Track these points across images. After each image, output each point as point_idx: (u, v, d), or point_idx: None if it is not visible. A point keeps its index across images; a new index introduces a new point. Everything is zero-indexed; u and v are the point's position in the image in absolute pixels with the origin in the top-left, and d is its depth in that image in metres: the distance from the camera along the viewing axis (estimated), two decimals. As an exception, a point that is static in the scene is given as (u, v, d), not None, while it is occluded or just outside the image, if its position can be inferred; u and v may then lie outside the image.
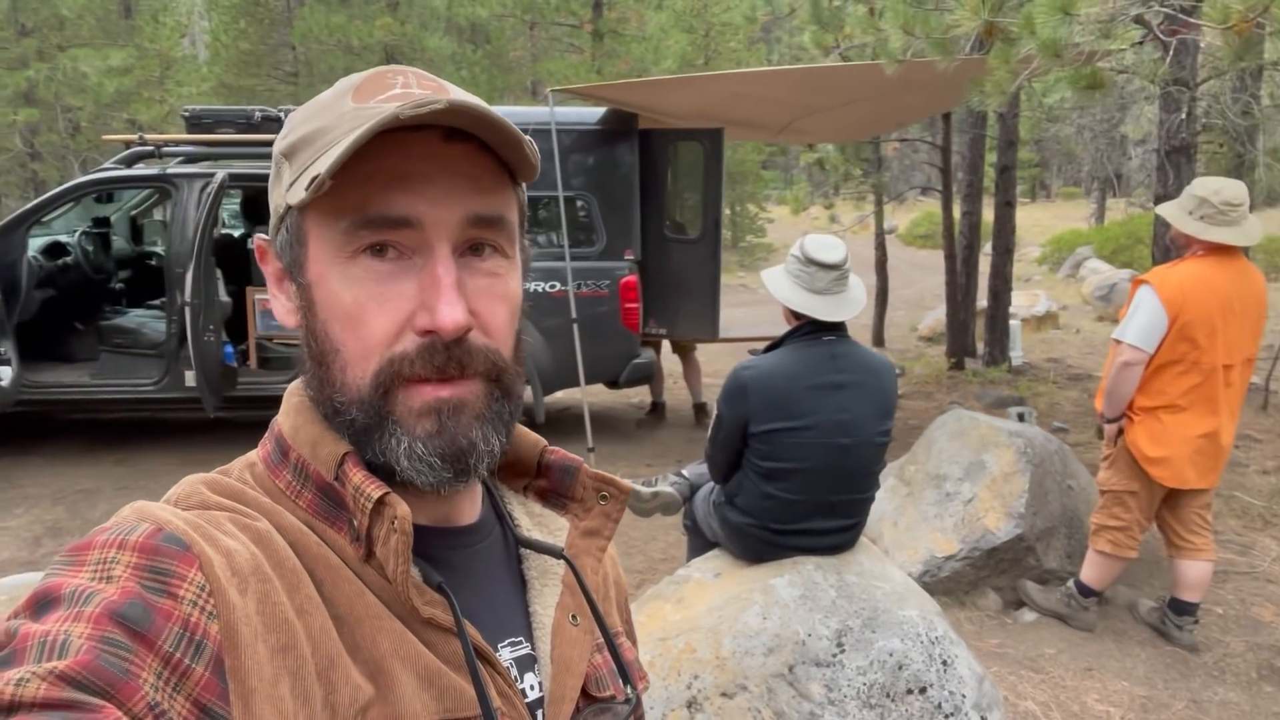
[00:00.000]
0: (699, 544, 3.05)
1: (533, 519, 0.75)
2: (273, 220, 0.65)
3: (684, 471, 3.22)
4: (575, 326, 5.38)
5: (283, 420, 0.66)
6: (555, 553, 0.72)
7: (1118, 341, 3.30)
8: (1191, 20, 3.58)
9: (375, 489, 0.60)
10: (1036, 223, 24.07)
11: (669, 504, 3.15)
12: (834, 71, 5.45)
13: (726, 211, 19.61)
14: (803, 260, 2.61)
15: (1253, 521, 4.64)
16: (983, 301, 8.50)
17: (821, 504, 2.67)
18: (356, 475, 0.61)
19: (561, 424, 6.55)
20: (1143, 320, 3.22)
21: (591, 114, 5.91)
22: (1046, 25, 3.61)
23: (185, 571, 0.52)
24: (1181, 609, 3.45)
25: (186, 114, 5.58)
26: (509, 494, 0.77)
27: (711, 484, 2.94)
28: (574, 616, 0.71)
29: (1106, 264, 15.31)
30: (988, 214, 8.71)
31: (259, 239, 0.65)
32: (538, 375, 5.77)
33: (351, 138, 0.54)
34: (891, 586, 2.64)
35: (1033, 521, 3.88)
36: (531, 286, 5.72)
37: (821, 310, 2.58)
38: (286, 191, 0.61)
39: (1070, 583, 3.68)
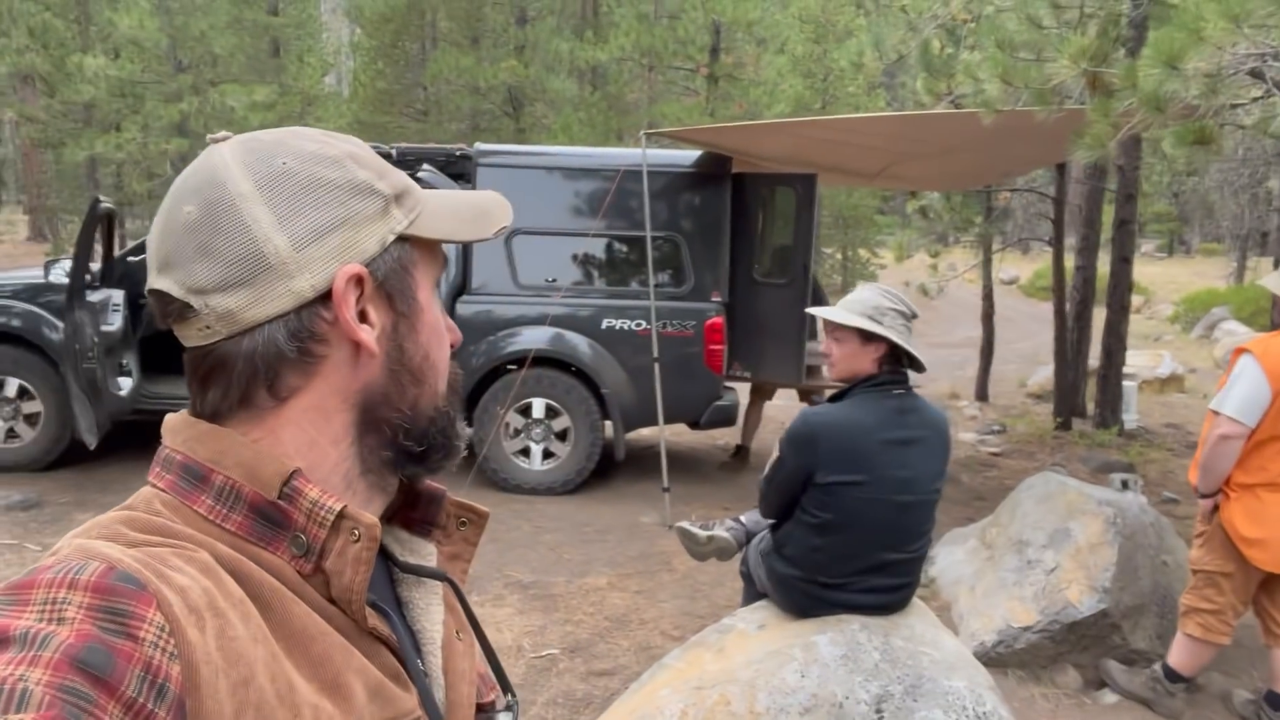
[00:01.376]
0: (752, 593, 3.01)
1: (402, 545, 0.77)
2: (367, 251, 0.67)
3: (741, 518, 3.18)
4: (656, 366, 5.40)
5: (192, 447, 0.65)
6: (439, 576, 0.76)
7: (1215, 413, 3.10)
8: (1310, 76, 3.37)
9: (335, 502, 0.63)
10: (1173, 279, 22.84)
11: (724, 549, 3.12)
12: (931, 119, 5.36)
13: (838, 256, 19.37)
14: (877, 309, 2.56)
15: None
16: (1096, 360, 8.10)
17: (874, 561, 2.59)
18: (312, 490, 0.63)
19: (641, 462, 6.57)
20: (1243, 392, 3.02)
21: (685, 156, 5.97)
22: (1149, 78, 3.46)
23: (144, 612, 0.51)
24: (1279, 703, 3.17)
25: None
26: None
27: (764, 533, 2.90)
28: (458, 632, 0.77)
29: (1244, 326, 14.38)
30: (1106, 269, 8.33)
31: (355, 267, 0.65)
32: (619, 412, 5.81)
33: (493, 230, 0.73)
34: (941, 654, 2.53)
35: (1119, 597, 3.65)
36: (618, 324, 5.79)
37: (903, 337, 2.52)
38: (410, 225, 0.69)
39: (1157, 666, 3.44)
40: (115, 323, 5.37)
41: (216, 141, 0.67)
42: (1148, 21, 5.91)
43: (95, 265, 5.62)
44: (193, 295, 0.63)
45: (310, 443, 0.66)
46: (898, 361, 2.58)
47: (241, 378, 0.64)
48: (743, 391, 6.61)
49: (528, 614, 4.12)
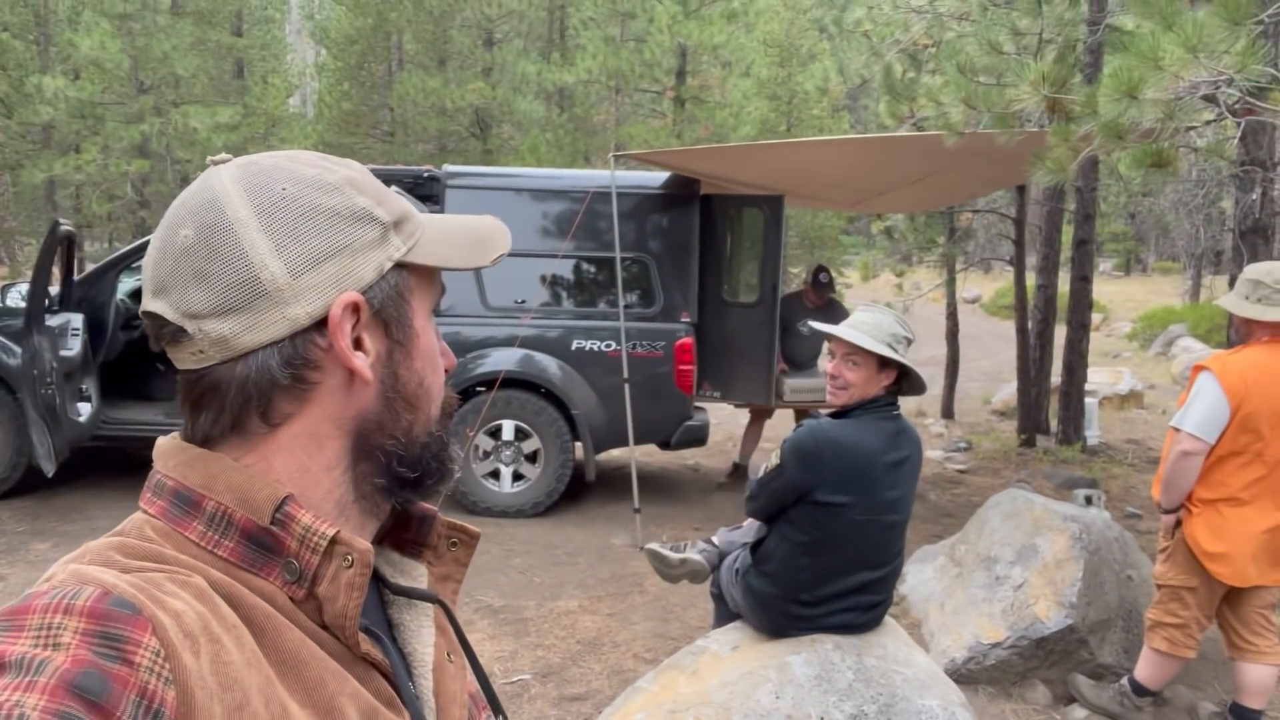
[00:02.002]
0: (724, 614, 3.00)
1: (394, 566, 0.77)
2: (364, 279, 0.67)
3: (714, 539, 3.17)
4: (626, 386, 5.40)
5: (183, 472, 0.64)
6: (430, 598, 0.75)
7: (1176, 430, 3.15)
8: (1260, 104, 3.47)
9: (328, 527, 0.63)
10: (1130, 297, 23.32)
11: (696, 572, 3.10)
12: (894, 142, 5.44)
13: (804, 275, 19.53)
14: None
15: (1337, 626, 4.31)
16: (1058, 378, 8.24)
17: (854, 582, 2.59)
18: (305, 516, 0.63)
19: (612, 483, 6.55)
20: (1203, 409, 3.08)
21: (654, 178, 6.01)
22: (1110, 107, 3.54)
23: (139, 636, 0.51)
24: (1244, 715, 3.22)
25: None
26: None
27: (738, 553, 2.90)
28: (449, 654, 0.77)
29: (1200, 343, 14.69)
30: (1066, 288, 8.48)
31: (351, 295, 0.65)
32: (589, 433, 5.79)
33: (491, 257, 0.75)
34: (913, 673, 2.54)
35: (1086, 612, 3.69)
36: (587, 345, 5.79)
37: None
38: (408, 253, 0.69)
39: (1124, 680, 3.47)
40: (75, 347, 5.26)
41: (216, 164, 0.67)
42: (1103, 47, 6.07)
43: (54, 289, 5.51)
44: (187, 320, 0.63)
45: (302, 469, 0.66)
46: (897, 385, 2.61)
47: (234, 403, 0.64)
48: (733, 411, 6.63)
49: (498, 639, 4.08)
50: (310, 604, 0.64)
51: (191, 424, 0.66)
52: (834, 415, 2.62)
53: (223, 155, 0.68)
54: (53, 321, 5.12)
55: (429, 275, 0.73)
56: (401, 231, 0.69)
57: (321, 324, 0.64)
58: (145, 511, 0.65)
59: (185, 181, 13.95)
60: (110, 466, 6.28)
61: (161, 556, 0.60)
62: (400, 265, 0.69)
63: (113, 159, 12.78)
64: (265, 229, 0.63)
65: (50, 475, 5.05)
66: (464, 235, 0.74)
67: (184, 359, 0.65)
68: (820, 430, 2.52)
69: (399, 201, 0.71)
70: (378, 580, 0.75)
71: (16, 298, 5.41)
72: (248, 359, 0.63)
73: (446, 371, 0.76)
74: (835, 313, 6.55)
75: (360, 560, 0.63)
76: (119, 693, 0.49)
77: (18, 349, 5.09)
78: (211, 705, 0.53)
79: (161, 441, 0.68)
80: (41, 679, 0.47)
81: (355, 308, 0.65)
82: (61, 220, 5.14)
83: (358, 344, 0.66)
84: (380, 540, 0.76)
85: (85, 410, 5.28)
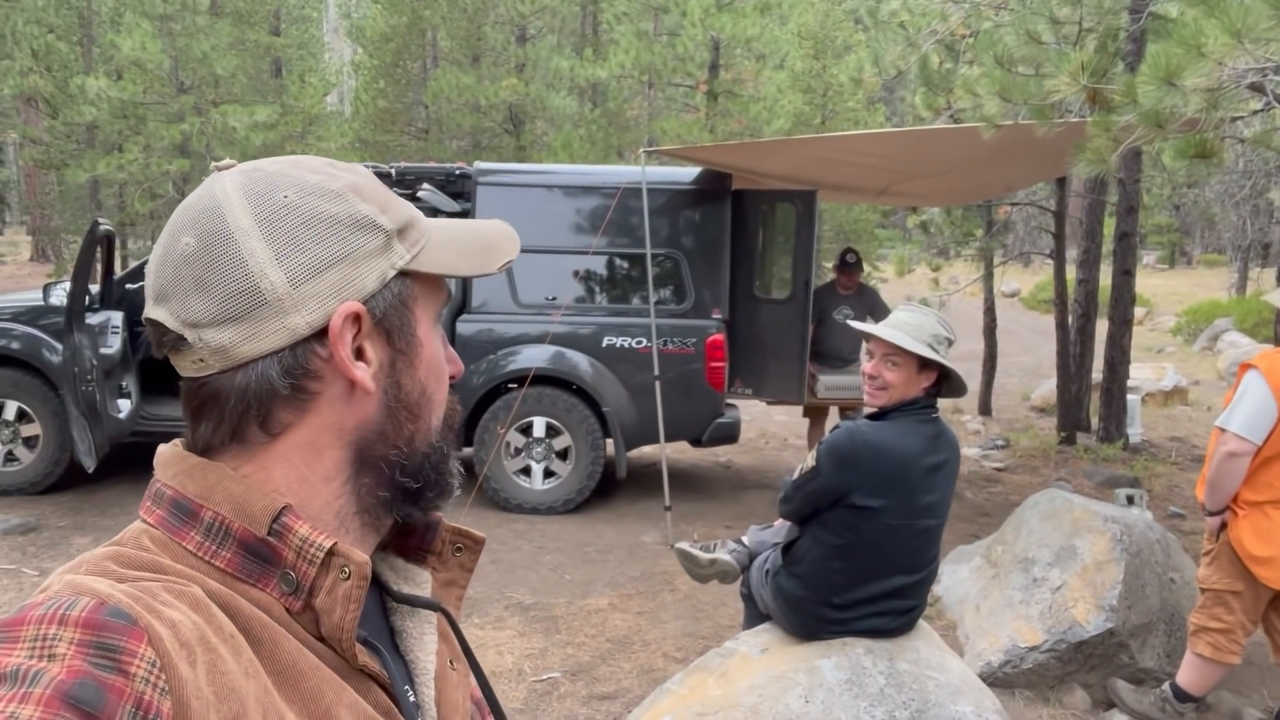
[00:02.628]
0: (754, 614, 2.97)
1: (397, 573, 0.76)
2: (366, 288, 0.66)
3: (744, 539, 3.14)
4: (657, 383, 5.38)
5: (182, 481, 0.64)
6: (432, 606, 0.75)
7: (1222, 429, 3.07)
8: (1310, 89, 3.35)
9: (325, 539, 0.62)
10: (1174, 290, 22.81)
11: (726, 572, 3.07)
12: (931, 135, 5.35)
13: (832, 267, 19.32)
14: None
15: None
16: (1099, 374, 8.07)
17: (888, 586, 2.55)
18: (302, 526, 0.63)
19: (643, 480, 6.53)
20: (1249, 408, 2.99)
21: (685, 174, 5.97)
22: (1149, 94, 3.44)
23: (135, 647, 0.51)
24: (1292, 725, 3.13)
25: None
26: None
27: (768, 553, 2.86)
28: (451, 662, 0.76)
29: (1247, 338, 14.32)
30: (1107, 282, 8.31)
31: (352, 305, 0.64)
32: (620, 430, 5.78)
33: (498, 264, 0.73)
34: (947, 678, 2.49)
35: (1127, 615, 3.61)
36: (618, 342, 5.77)
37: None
38: (412, 260, 0.68)
39: (1166, 686, 3.39)
40: (114, 345, 5.35)
41: (220, 169, 0.66)
42: (1145, 35, 5.92)
43: (94, 287, 5.61)
44: (187, 328, 0.63)
45: (301, 479, 0.66)
46: (936, 387, 2.55)
47: (234, 412, 0.64)
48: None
49: (529, 636, 4.08)
50: (307, 616, 0.63)
51: (192, 432, 0.66)
52: (872, 417, 2.56)
53: (226, 161, 0.68)
54: (93, 320, 5.21)
55: (434, 282, 0.72)
56: (406, 239, 0.69)
57: (322, 333, 0.64)
58: (144, 521, 0.65)
59: (223, 180, 14.15)
60: (149, 463, 6.37)
61: (158, 566, 0.60)
62: (404, 273, 0.68)
63: (154, 158, 12.98)
64: (266, 237, 0.62)
65: (91, 471, 5.15)
66: (470, 242, 0.73)
67: (185, 367, 0.65)
68: (858, 432, 2.47)
69: (403, 208, 0.70)
70: (380, 587, 0.75)
71: (59, 297, 5.51)
72: (248, 368, 0.63)
73: (453, 379, 0.75)
74: (868, 298, 6.46)
75: (357, 572, 0.63)
76: (114, 703, 0.49)
77: (60, 347, 5.19)
78: (208, 715, 0.53)
79: (162, 450, 0.68)
80: (36, 690, 0.47)
81: (356, 317, 0.65)
82: (100, 220, 5.22)
83: (359, 353, 0.66)
84: (384, 546, 0.76)
85: (125, 407, 5.36)
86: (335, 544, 0.63)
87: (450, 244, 0.72)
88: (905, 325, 2.48)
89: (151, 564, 0.60)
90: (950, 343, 2.52)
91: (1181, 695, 3.30)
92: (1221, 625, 3.16)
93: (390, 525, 0.73)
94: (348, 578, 0.62)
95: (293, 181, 0.65)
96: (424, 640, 0.74)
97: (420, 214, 0.73)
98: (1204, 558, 3.25)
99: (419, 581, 0.76)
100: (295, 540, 0.62)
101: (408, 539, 0.77)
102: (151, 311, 0.65)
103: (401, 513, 0.72)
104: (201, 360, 0.63)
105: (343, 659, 0.64)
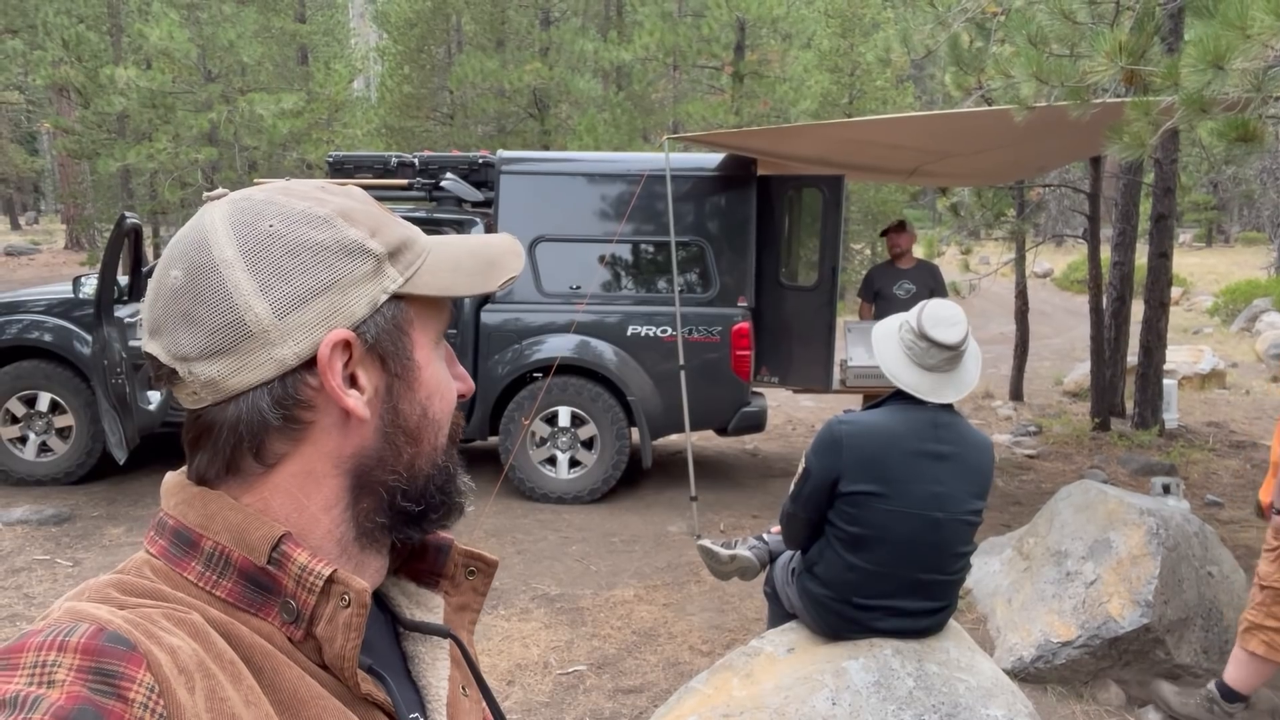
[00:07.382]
0: (778, 613, 2.94)
1: (409, 598, 0.76)
2: (356, 314, 0.64)
3: (765, 536, 3.11)
4: (683, 372, 5.34)
5: (183, 511, 0.64)
6: (442, 633, 0.74)
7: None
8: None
9: (325, 566, 0.62)
10: (1211, 270, 22.37)
11: (746, 568, 3.05)
12: (961, 118, 5.24)
13: (866, 252, 19.15)
14: (916, 333, 2.46)
15: None
16: (1134, 358, 7.92)
17: (908, 581, 2.51)
18: (301, 554, 0.62)
19: (669, 469, 6.51)
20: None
21: (709, 160, 5.90)
22: (1193, 78, 3.32)
23: (134, 672, 0.52)
24: (1335, 726, 3.04)
25: (331, 160, 5.94)
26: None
27: (792, 551, 2.82)
28: (464, 688, 0.76)
29: (1288, 318, 14.00)
30: (1143, 263, 8.14)
31: (341, 333, 0.63)
32: (646, 419, 5.75)
33: (498, 282, 0.71)
34: (977, 680, 2.44)
35: (1163, 610, 3.53)
36: (643, 331, 5.73)
37: (927, 390, 2.44)
38: (406, 283, 0.67)
39: (1212, 685, 3.30)
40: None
41: (212, 199, 0.66)
42: (1184, 13, 5.74)
43: (123, 280, 5.65)
44: (178, 362, 0.63)
45: (300, 508, 0.65)
46: None
47: (226, 445, 0.64)
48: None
49: (554, 628, 4.08)
50: (309, 644, 0.63)
51: (191, 463, 0.67)
52: (869, 406, 2.61)
53: (219, 190, 0.67)
54: (121, 312, 5.25)
55: (433, 303, 0.70)
56: (399, 261, 0.67)
57: (312, 363, 0.63)
58: (147, 551, 0.65)
59: (253, 168, 14.23)
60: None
61: (159, 594, 0.60)
62: (398, 296, 0.67)
63: (183, 147, 13.09)
64: (250, 268, 0.62)
65: (122, 463, 5.21)
66: (471, 260, 0.71)
67: (182, 399, 0.65)
68: (837, 421, 2.51)
69: (397, 229, 0.68)
70: (390, 613, 0.74)
71: (90, 288, 5.56)
72: (238, 400, 0.63)
73: (463, 398, 0.73)
74: (926, 272, 6.35)
75: (357, 600, 0.62)
76: None
77: (90, 339, 5.24)
78: None
79: (169, 478, 0.68)
80: (36, 716, 0.47)
81: (346, 345, 0.64)
82: (128, 213, 5.25)
83: (353, 380, 0.65)
84: (396, 571, 0.75)
85: (154, 399, 5.41)
86: (335, 571, 0.62)
87: (448, 263, 0.70)
88: (950, 320, 2.45)
89: (153, 591, 0.60)
90: (951, 348, 2.49)
91: (1229, 694, 3.21)
92: (1279, 624, 3.07)
93: (393, 549, 0.72)
94: (348, 605, 0.62)
95: (278, 210, 0.64)
96: (436, 666, 0.74)
97: (419, 233, 0.71)
98: (1267, 554, 3.14)
99: (431, 606, 0.75)
100: (295, 569, 0.62)
101: (419, 563, 0.76)
102: (147, 345, 0.65)
103: (402, 536, 0.71)
104: (195, 393, 0.63)
105: (347, 687, 0.64)
